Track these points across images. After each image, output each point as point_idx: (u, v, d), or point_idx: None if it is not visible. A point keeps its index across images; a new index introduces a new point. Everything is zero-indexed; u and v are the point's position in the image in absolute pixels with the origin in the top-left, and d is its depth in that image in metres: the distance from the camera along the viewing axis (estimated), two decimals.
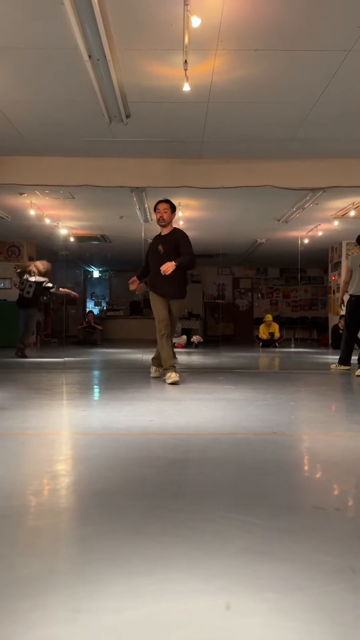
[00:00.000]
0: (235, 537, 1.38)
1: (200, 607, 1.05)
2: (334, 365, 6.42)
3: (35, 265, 8.24)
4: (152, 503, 1.65)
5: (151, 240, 5.15)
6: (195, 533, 1.41)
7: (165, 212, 4.93)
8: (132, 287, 5.34)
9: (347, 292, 6.25)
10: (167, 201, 5.01)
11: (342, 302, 6.41)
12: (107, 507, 1.62)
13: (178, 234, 4.99)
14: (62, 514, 1.58)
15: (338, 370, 6.24)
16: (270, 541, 1.36)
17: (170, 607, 1.04)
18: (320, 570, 1.19)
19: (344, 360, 6.29)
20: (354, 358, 6.33)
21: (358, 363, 5.99)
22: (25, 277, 8.19)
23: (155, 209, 5.02)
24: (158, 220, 4.97)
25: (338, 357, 6.47)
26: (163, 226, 4.98)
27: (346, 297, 6.42)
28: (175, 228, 5.06)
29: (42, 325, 8.92)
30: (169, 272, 4.61)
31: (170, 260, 4.69)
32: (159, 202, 5.01)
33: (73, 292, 9.14)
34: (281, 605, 1.05)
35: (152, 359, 5.34)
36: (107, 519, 1.52)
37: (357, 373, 5.79)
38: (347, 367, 6.24)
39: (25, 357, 7.95)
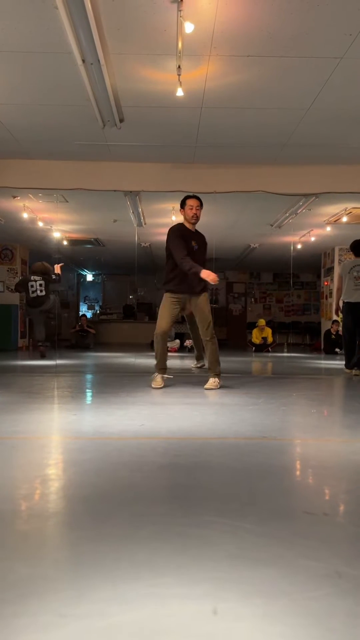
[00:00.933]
0: (224, 542, 1.37)
1: (187, 612, 1.04)
2: (348, 370, 6.31)
3: (43, 264, 8.60)
4: (141, 508, 1.65)
5: (180, 228, 4.81)
6: (183, 538, 1.40)
7: (199, 209, 4.78)
8: (214, 278, 4.54)
9: (340, 298, 6.35)
10: (198, 198, 4.84)
11: (338, 308, 6.47)
12: (96, 511, 1.61)
13: (202, 235, 4.93)
14: (50, 519, 1.57)
15: (354, 375, 6.14)
16: (259, 546, 1.35)
17: (157, 612, 1.04)
18: (308, 575, 1.19)
19: (357, 364, 6.22)
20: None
21: (354, 365, 6.11)
22: (32, 277, 8.50)
23: (183, 204, 4.78)
24: (191, 217, 4.74)
25: (330, 362, 6.55)
26: (193, 223, 4.83)
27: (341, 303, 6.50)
28: (197, 231, 4.94)
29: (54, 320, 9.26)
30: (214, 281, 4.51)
31: (201, 260, 4.70)
32: (191, 197, 4.81)
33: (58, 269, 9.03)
34: (268, 610, 1.05)
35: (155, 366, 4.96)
36: (95, 523, 1.51)
37: (354, 373, 5.92)
38: (350, 371, 6.27)
39: (45, 356, 8.36)
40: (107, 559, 1.26)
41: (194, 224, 4.82)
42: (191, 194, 4.91)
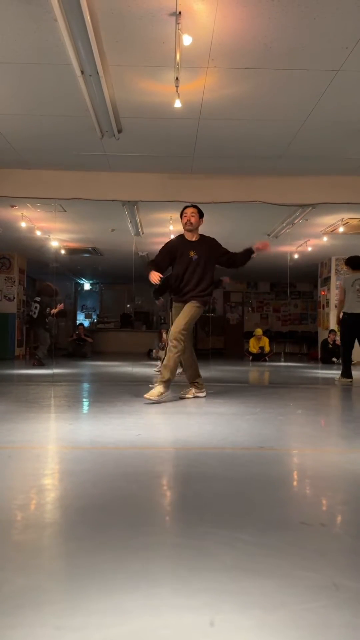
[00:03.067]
0: (221, 553, 1.37)
1: (184, 623, 1.04)
2: (347, 380, 6.54)
3: (49, 285, 9.37)
4: (138, 518, 1.64)
5: (172, 242, 4.82)
6: (180, 549, 1.40)
7: (193, 216, 4.70)
8: (154, 279, 4.53)
9: (342, 310, 6.56)
10: (195, 206, 4.81)
11: (339, 319, 6.68)
12: (92, 522, 1.61)
13: (209, 240, 4.80)
14: (46, 529, 1.56)
15: (341, 383, 6.43)
16: (256, 557, 1.35)
17: (154, 623, 1.03)
18: (304, 587, 1.19)
19: (346, 374, 6.52)
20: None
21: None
22: (35, 298, 9.24)
23: (182, 214, 4.78)
24: (185, 224, 4.72)
25: (327, 371, 6.69)
26: (189, 231, 4.74)
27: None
28: (202, 235, 4.82)
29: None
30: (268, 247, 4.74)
31: (205, 269, 4.63)
32: (186, 207, 4.80)
33: (59, 308, 9.61)
34: (265, 622, 1.04)
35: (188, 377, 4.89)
36: (91, 534, 1.50)
37: (342, 382, 6.29)
38: (349, 380, 6.47)
39: (43, 364, 8.77)
40: (103, 570, 1.25)
41: (191, 231, 4.74)
42: (189, 204, 4.86)
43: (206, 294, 4.70)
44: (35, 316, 9.04)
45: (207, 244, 4.75)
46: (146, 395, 4.32)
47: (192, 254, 4.66)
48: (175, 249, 4.73)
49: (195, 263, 4.64)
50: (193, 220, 4.69)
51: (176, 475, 2.26)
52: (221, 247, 4.78)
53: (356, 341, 6.52)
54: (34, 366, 8.68)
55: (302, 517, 1.69)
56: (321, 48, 3.83)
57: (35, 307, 9.02)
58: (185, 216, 4.72)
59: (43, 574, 1.26)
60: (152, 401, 4.28)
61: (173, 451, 2.68)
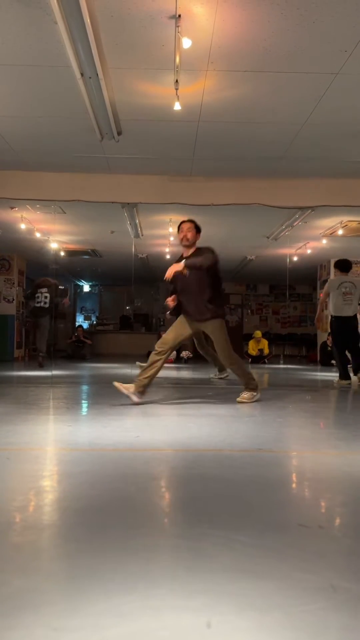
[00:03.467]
0: (219, 554, 1.37)
1: (182, 625, 1.04)
2: (344, 381, 6.65)
3: (49, 280, 9.16)
4: (136, 520, 1.64)
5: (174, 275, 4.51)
6: (178, 550, 1.40)
7: (190, 231, 4.54)
8: (171, 304, 4.72)
9: (322, 311, 6.78)
10: (192, 221, 4.64)
11: (319, 320, 6.97)
12: (91, 523, 1.61)
13: (203, 250, 4.54)
14: (44, 531, 1.57)
15: (340, 385, 6.53)
16: (254, 559, 1.35)
17: (152, 625, 1.04)
18: (302, 588, 1.19)
19: (343, 376, 6.64)
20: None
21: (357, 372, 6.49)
22: (40, 290, 8.98)
23: (178, 229, 4.65)
24: (181, 240, 4.56)
25: (326, 373, 6.96)
26: (187, 246, 4.57)
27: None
28: (198, 247, 4.60)
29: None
30: (185, 271, 4.29)
31: (201, 281, 4.43)
32: (183, 222, 4.65)
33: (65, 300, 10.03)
34: (263, 623, 1.05)
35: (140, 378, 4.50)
36: (89, 536, 1.51)
37: (340, 384, 6.39)
38: (347, 382, 6.58)
39: (43, 366, 8.64)
40: (101, 571, 1.26)
41: (187, 247, 4.58)
42: (186, 219, 4.69)
43: (216, 305, 4.54)
44: (46, 306, 8.88)
45: (201, 254, 4.50)
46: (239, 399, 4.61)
47: (185, 271, 4.44)
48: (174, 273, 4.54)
49: (188, 279, 4.43)
50: (190, 236, 4.55)
51: (174, 477, 2.26)
52: (207, 251, 4.48)
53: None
54: (40, 367, 8.54)
55: (300, 519, 1.69)
56: (320, 51, 3.85)
57: (45, 297, 8.88)
58: (181, 232, 4.59)
59: (41, 576, 1.26)
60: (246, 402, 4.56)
61: (171, 453, 2.68)
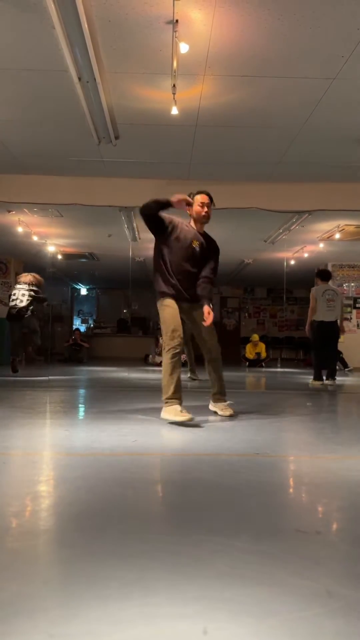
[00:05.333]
0: (215, 560, 1.37)
1: (178, 632, 1.04)
2: (317, 382, 7.11)
3: (33, 276, 7.90)
4: (132, 525, 1.64)
5: (174, 222, 3.89)
6: (174, 556, 1.40)
7: (210, 208, 3.93)
8: (179, 198, 3.85)
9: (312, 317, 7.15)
10: (210, 194, 3.95)
11: (310, 326, 7.23)
12: (87, 529, 1.60)
13: (214, 244, 4.02)
14: (41, 536, 1.56)
15: (313, 387, 6.95)
16: (250, 564, 1.35)
17: (148, 632, 1.03)
18: (298, 594, 1.19)
19: (317, 377, 7.11)
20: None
21: (328, 377, 6.93)
22: (18, 286, 7.72)
23: (192, 196, 3.90)
24: (199, 216, 3.90)
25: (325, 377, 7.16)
26: (202, 223, 3.96)
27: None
28: (206, 233, 4.03)
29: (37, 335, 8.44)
30: (209, 323, 3.74)
31: (200, 264, 3.85)
32: (202, 193, 3.92)
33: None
34: (259, 630, 1.04)
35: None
36: (86, 541, 1.50)
37: (329, 383, 6.85)
38: (320, 383, 7.02)
39: (17, 370, 7.76)
40: (97, 578, 1.25)
41: (203, 224, 3.98)
42: (203, 190, 3.99)
43: (211, 294, 3.91)
44: (22, 304, 7.54)
45: (211, 246, 3.99)
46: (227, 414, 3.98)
47: (196, 243, 3.84)
48: (175, 224, 3.87)
49: (196, 255, 3.84)
50: (210, 213, 3.92)
51: (171, 482, 2.25)
52: (216, 262, 4.00)
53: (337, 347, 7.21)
54: (13, 372, 7.53)
55: (297, 525, 1.69)
56: (317, 56, 3.87)
57: (23, 295, 7.56)
58: (201, 205, 3.88)
59: (37, 582, 1.26)
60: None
61: (168, 458, 2.68)
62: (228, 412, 4.00)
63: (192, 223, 3.97)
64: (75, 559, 1.37)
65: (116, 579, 1.24)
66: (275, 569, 1.33)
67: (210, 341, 3.98)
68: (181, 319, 3.85)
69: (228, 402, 4.14)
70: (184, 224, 3.93)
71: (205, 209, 3.89)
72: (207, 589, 1.21)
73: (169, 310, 3.77)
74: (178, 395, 3.65)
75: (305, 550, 1.47)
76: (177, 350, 3.68)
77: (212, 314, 3.78)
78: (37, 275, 7.96)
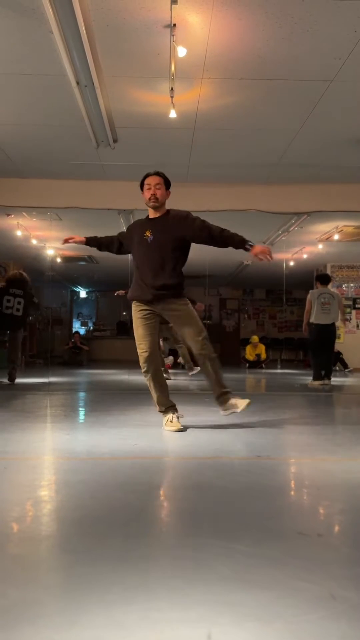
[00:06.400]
0: (218, 564, 1.37)
1: (181, 637, 1.04)
2: (316, 383, 7.24)
3: (20, 273, 7.28)
4: (134, 530, 1.64)
5: (129, 227, 3.77)
6: (176, 560, 1.40)
7: (158, 188, 3.49)
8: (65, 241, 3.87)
9: (308, 320, 7.33)
10: (160, 174, 3.57)
11: (307, 328, 7.42)
12: (89, 534, 1.60)
13: (176, 214, 3.55)
14: (42, 542, 1.56)
15: (313, 387, 7.08)
16: (253, 568, 1.35)
17: (151, 637, 1.03)
18: (302, 598, 1.19)
19: (317, 377, 7.26)
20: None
21: (324, 377, 7.10)
22: (11, 291, 6.98)
23: (142, 184, 3.57)
24: (148, 199, 3.51)
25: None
26: (154, 208, 3.55)
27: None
28: (170, 210, 3.61)
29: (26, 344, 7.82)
30: (270, 256, 3.50)
31: (164, 252, 3.45)
32: (148, 175, 3.56)
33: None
34: (263, 634, 1.04)
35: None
36: (88, 546, 1.50)
37: (325, 382, 7.02)
38: (319, 382, 7.17)
39: (14, 379, 7.12)
40: (100, 583, 1.25)
41: (156, 208, 3.55)
42: (152, 171, 3.62)
43: (179, 287, 3.54)
44: (19, 314, 6.96)
45: (173, 219, 3.53)
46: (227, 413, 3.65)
47: (148, 234, 3.52)
48: (131, 229, 3.69)
49: (149, 245, 3.50)
50: (159, 194, 3.50)
51: (173, 486, 2.25)
52: (197, 220, 3.52)
53: (334, 349, 7.41)
54: (10, 382, 6.84)
55: (299, 527, 1.69)
56: (315, 59, 3.88)
57: (19, 303, 6.93)
58: (148, 189, 3.51)
59: (39, 588, 1.26)
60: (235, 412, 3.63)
61: (169, 461, 2.68)
62: (240, 405, 3.57)
63: (149, 213, 3.64)
64: (78, 565, 1.37)
65: (119, 584, 1.24)
66: (278, 572, 1.33)
67: (193, 339, 3.54)
68: (162, 323, 3.69)
69: (232, 399, 3.66)
70: (139, 222, 3.71)
71: (151, 191, 3.49)
72: (210, 593, 1.20)
73: (135, 324, 3.63)
74: (164, 407, 3.58)
75: (307, 553, 1.47)
76: (145, 369, 3.57)
77: (264, 248, 3.61)
78: (23, 273, 7.38)
